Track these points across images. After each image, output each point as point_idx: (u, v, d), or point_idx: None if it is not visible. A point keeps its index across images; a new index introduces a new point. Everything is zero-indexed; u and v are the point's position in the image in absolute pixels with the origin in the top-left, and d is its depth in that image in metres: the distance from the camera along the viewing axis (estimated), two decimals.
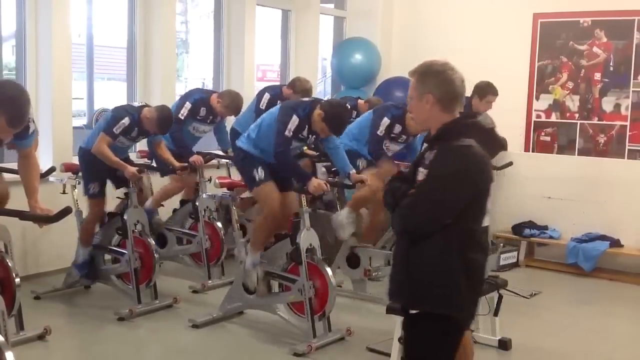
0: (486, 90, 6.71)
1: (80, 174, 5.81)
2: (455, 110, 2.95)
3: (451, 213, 2.85)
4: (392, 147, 6.11)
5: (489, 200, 2.96)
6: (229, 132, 6.98)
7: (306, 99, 5.83)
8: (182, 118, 6.32)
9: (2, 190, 5.02)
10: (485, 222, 2.96)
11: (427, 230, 2.89)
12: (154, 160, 6.34)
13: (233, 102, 6.44)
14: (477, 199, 2.89)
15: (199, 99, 6.42)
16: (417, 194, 2.91)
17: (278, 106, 5.39)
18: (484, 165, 2.91)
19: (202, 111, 6.43)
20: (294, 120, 5.07)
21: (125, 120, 5.59)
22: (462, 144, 2.89)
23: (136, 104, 5.98)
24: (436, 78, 2.94)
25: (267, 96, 6.95)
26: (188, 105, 6.36)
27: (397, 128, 6.02)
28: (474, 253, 2.91)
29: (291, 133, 5.07)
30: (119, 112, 5.66)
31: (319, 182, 5.01)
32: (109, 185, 5.87)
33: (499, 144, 2.98)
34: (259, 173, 5.16)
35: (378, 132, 5.95)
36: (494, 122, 3.01)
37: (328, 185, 5.22)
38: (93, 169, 5.70)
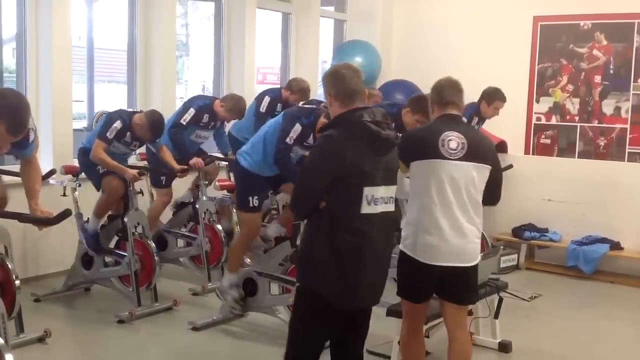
0: (494, 96, 6.64)
1: (81, 175, 5.81)
2: (352, 105, 3.23)
3: (313, 197, 3.16)
4: None
5: (378, 189, 3.15)
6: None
7: (309, 105, 5.82)
8: (184, 124, 6.31)
9: (1, 193, 5.02)
10: (379, 209, 3.16)
11: (301, 212, 3.32)
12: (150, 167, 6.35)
13: (236, 105, 6.41)
14: (340, 184, 3.10)
15: (202, 105, 6.41)
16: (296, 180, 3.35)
17: (282, 114, 5.36)
18: (340, 153, 3.12)
19: (205, 117, 6.40)
20: (297, 129, 5.06)
21: (117, 124, 5.60)
22: (324, 134, 3.22)
23: (130, 109, 5.99)
24: (331, 77, 3.31)
25: (267, 99, 6.96)
26: (192, 111, 6.33)
27: (393, 127, 5.99)
28: (344, 236, 3.12)
29: (292, 140, 5.06)
30: (111, 117, 5.69)
31: None
32: None
33: (372, 138, 3.16)
34: (254, 201, 5.16)
35: None
36: (377, 116, 3.21)
37: None
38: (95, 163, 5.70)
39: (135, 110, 5.93)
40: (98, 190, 5.82)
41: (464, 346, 3.88)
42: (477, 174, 3.70)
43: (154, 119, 5.71)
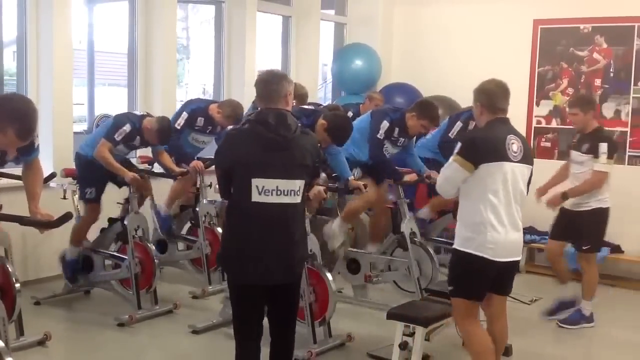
0: None
1: None
2: (269, 105, 3.59)
3: (222, 183, 3.65)
4: (390, 150, 6.11)
5: (271, 181, 3.47)
6: None
7: (306, 106, 5.83)
8: (179, 128, 6.27)
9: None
10: (273, 199, 3.48)
11: (221, 195, 3.75)
12: (154, 166, 6.36)
13: (234, 112, 6.35)
14: (235, 175, 3.53)
15: (196, 108, 6.36)
16: None
17: None
18: (225, 149, 3.66)
19: (200, 121, 6.36)
20: None
21: (127, 127, 5.61)
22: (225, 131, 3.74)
23: (138, 112, 5.99)
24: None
25: None
26: (185, 115, 6.30)
27: (396, 131, 6.02)
28: (237, 220, 3.59)
29: None
30: (120, 119, 5.69)
31: (318, 190, 4.99)
32: (108, 190, 5.88)
33: (257, 136, 3.54)
34: None
35: (378, 136, 5.94)
36: (269, 118, 3.54)
37: (327, 192, 5.22)
38: (89, 175, 5.72)
39: (144, 113, 5.93)
40: (80, 199, 5.80)
41: (504, 329, 4.18)
42: (528, 173, 4.02)
43: (163, 126, 5.74)
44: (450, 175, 3.94)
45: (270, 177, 3.49)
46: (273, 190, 3.50)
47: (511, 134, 3.94)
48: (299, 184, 3.57)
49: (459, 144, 3.95)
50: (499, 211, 3.86)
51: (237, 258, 3.62)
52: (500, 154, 3.85)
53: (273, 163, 3.50)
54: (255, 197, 3.49)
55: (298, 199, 3.58)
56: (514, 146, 3.90)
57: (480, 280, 3.94)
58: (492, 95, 4.00)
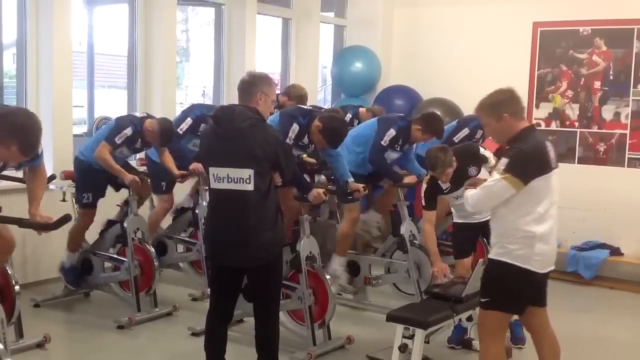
0: None
1: None
2: (242, 102, 3.98)
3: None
4: (390, 156, 6.11)
5: (222, 170, 3.85)
6: None
7: (306, 106, 5.83)
8: (181, 132, 6.25)
9: (7, 238, 4.98)
10: (225, 185, 3.84)
11: None
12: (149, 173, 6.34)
13: None
14: (206, 166, 4.05)
15: (200, 115, 6.34)
16: None
17: (278, 113, 5.37)
18: (201, 142, 4.26)
19: (203, 127, 6.37)
20: (294, 129, 5.06)
21: (128, 130, 5.62)
22: None
23: (138, 114, 5.99)
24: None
25: None
26: (189, 120, 6.29)
27: (401, 140, 6.01)
28: (208, 205, 4.18)
29: (292, 141, 5.06)
30: (122, 122, 5.69)
31: (318, 192, 4.99)
32: (107, 192, 5.88)
33: (212, 129, 4.03)
34: None
35: (382, 142, 5.93)
36: (219, 112, 3.99)
37: (327, 194, 5.22)
38: (87, 179, 5.72)
39: (144, 114, 5.92)
40: (76, 203, 5.78)
41: (556, 340, 4.01)
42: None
43: (166, 127, 5.76)
44: (498, 192, 3.70)
45: (222, 166, 3.85)
46: (224, 178, 3.85)
47: (545, 140, 3.84)
48: (248, 173, 3.80)
49: (505, 160, 3.69)
50: (548, 223, 3.78)
51: (206, 239, 4.27)
52: (547, 166, 3.75)
53: (223, 153, 3.85)
54: (213, 184, 3.91)
55: (249, 187, 3.82)
56: (551, 153, 3.79)
57: (523, 292, 3.78)
58: (514, 101, 3.81)
